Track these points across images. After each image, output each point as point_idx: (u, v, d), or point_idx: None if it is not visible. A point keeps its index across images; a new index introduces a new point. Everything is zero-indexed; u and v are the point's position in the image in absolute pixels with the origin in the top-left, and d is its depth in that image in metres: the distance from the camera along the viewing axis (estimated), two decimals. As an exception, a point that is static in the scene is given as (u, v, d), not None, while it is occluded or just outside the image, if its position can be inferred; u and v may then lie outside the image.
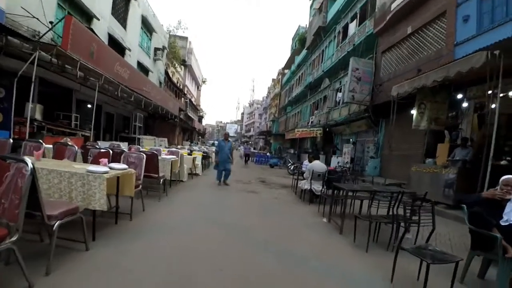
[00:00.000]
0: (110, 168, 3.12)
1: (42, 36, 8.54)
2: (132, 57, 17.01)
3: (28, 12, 7.48)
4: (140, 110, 17.88)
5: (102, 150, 4.04)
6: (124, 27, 15.96)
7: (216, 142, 45.27)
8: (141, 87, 14.25)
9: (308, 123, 21.97)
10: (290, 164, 13.49)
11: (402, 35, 11.08)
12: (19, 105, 7.53)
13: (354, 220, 3.74)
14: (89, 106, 14.32)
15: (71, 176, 2.68)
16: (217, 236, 3.49)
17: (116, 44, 14.42)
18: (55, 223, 2.08)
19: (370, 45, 13.41)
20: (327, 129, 16.64)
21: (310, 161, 8.04)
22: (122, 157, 3.99)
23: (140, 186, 3.90)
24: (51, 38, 9.37)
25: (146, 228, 3.46)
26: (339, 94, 15.99)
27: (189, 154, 9.32)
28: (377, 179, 10.93)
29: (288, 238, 3.69)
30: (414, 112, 8.36)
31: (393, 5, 11.24)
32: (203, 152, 10.91)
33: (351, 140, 16.22)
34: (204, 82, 55.15)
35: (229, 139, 8.29)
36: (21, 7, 7.42)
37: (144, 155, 3.98)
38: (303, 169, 8.10)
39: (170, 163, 5.44)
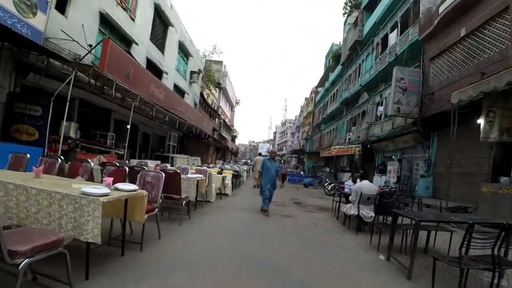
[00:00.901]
0: (116, 189, 2.61)
1: (82, 58, 8.98)
2: (169, 80, 17.67)
3: (67, 34, 7.88)
4: (175, 130, 18.26)
5: (118, 168, 3.62)
6: (162, 52, 16.76)
7: (249, 161, 45.02)
8: (176, 108, 14.50)
9: (345, 140, 20.58)
10: (327, 184, 12.33)
11: (454, 39, 9.81)
12: (56, 124, 7.80)
13: (431, 263, 2.72)
14: (128, 126, 14.97)
15: (62, 198, 2.19)
16: (244, 277, 2.74)
17: (153, 68, 15.08)
18: (22, 261, 1.53)
19: (415, 53, 12.19)
20: (368, 146, 15.21)
21: (354, 181, 7.02)
22: (138, 176, 3.51)
23: (156, 210, 3.35)
24: (92, 61, 9.84)
25: (159, 262, 2.84)
26: (380, 108, 14.67)
27: (219, 173, 8.82)
28: (430, 201, 9.33)
29: (336, 284, 2.79)
30: (481, 121, 6.97)
31: (441, 8, 10.11)
32: (234, 171, 10.35)
33: (394, 157, 14.56)
34: (237, 103, 56.42)
35: (276, 158, 6.80)
36: (61, 30, 7.83)
37: (163, 174, 3.46)
38: (346, 190, 7.07)
39: (195, 182, 4.90)
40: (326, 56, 37.41)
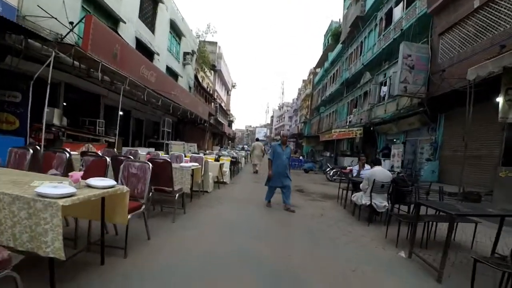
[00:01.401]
0: (88, 185, 2.07)
1: (64, 37, 8.18)
2: (161, 62, 16.74)
3: (44, 10, 7.02)
4: (169, 115, 17.56)
5: (98, 158, 3.07)
6: (152, 31, 15.73)
7: (246, 146, 44.70)
8: (169, 91, 13.74)
9: (345, 122, 20.05)
10: (328, 169, 11.92)
11: (467, 11, 9.06)
12: (40, 111, 7.14)
13: (459, 260, 2.27)
14: (120, 112, 14.23)
15: (12, 201, 1.67)
16: (249, 284, 2.29)
17: (144, 48, 14.15)
18: None
19: (422, 28, 11.42)
20: (371, 128, 14.70)
21: (363, 166, 6.57)
22: (121, 167, 2.97)
23: (143, 207, 2.84)
24: (75, 41, 9.00)
25: (146, 271, 2.36)
26: (384, 88, 14.04)
27: (217, 160, 8.31)
28: (436, 186, 8.98)
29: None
30: (500, 100, 6.43)
31: (454, -23, 9.30)
32: (232, 157, 9.85)
33: (396, 140, 14.12)
34: (233, 86, 55.15)
35: (284, 142, 5.71)
36: (38, 5, 6.98)
37: (150, 165, 2.92)
38: (354, 174, 6.62)
39: (190, 172, 4.38)
40: (324, 35, 36.09)
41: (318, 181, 11.32)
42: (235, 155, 13.02)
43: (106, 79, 10.34)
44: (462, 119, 9.64)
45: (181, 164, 4.45)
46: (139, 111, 15.35)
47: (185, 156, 6.36)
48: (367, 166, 6.45)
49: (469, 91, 6.35)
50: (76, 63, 8.71)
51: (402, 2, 13.25)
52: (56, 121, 7.39)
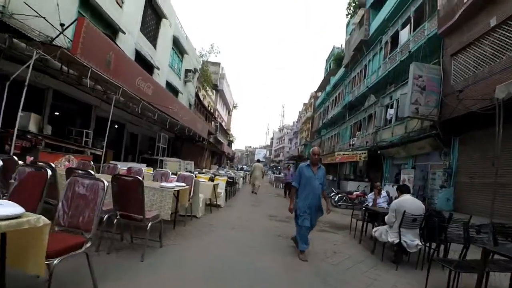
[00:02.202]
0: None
1: (53, 40, 7.63)
2: (161, 77, 16.33)
3: (31, 8, 6.48)
4: (166, 130, 16.84)
5: (36, 171, 2.22)
6: (154, 45, 15.45)
7: (245, 167, 43.73)
8: (167, 106, 13.11)
9: (348, 145, 19.31)
10: (333, 194, 10.95)
11: (482, 30, 8.64)
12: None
13: None
14: (114, 124, 13.55)
15: None
16: None
17: (143, 61, 13.73)
18: None
19: (432, 49, 11.03)
20: (378, 152, 13.89)
21: (378, 194, 5.66)
22: (66, 185, 2.11)
23: (86, 246, 1.93)
24: (68, 47, 8.45)
25: None
26: (390, 111, 13.45)
27: (211, 179, 7.40)
28: (458, 216, 8.00)
29: None
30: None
31: (465, -2, 8.98)
32: (229, 178, 8.94)
33: (404, 165, 13.28)
34: (235, 107, 55.19)
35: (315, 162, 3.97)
36: (25, 2, 6.45)
37: (105, 183, 2.06)
38: (369, 203, 5.69)
39: (171, 194, 3.47)
40: (326, 60, 36.51)
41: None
42: (232, 175, 12.10)
43: (98, 88, 9.72)
44: (479, 143, 8.93)
45: (162, 184, 3.56)
46: (134, 125, 14.64)
47: (175, 174, 5.50)
48: (383, 193, 5.56)
49: (498, 110, 5.61)
50: (65, 68, 8.11)
51: (409, 25, 13.03)
52: (32, 128, 6.59)
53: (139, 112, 10.80)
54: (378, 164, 15.73)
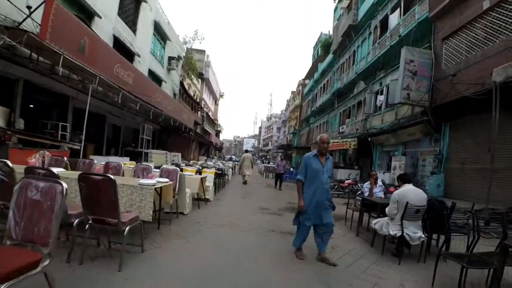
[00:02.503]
0: None
1: (20, 24, 6.84)
2: (143, 64, 15.45)
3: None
4: (151, 122, 16.11)
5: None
6: (134, 31, 14.50)
7: (234, 157, 43.43)
8: (149, 95, 12.40)
9: (338, 133, 19.23)
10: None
11: (475, 13, 8.44)
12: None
13: None
14: (88, 115, 12.65)
15: None
16: None
17: (122, 48, 12.85)
18: None
19: (422, 34, 10.82)
20: (369, 139, 13.80)
21: (375, 183, 5.44)
22: (15, 190, 1.68)
23: (43, 264, 1.53)
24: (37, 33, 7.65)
25: None
26: (380, 97, 13.31)
27: (199, 172, 6.99)
28: (449, 202, 8.03)
29: None
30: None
31: (458, -21, 8.72)
32: (217, 169, 8.55)
33: (394, 152, 13.30)
34: (221, 96, 54.17)
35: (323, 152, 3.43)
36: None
37: (64, 186, 1.64)
38: (365, 193, 5.47)
39: (152, 192, 3.06)
40: (314, 46, 36.02)
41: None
42: (221, 166, 11.71)
43: (73, 77, 8.97)
44: (471, 128, 8.90)
45: (141, 181, 3.12)
46: (116, 116, 13.86)
47: (158, 168, 5.05)
48: (379, 182, 5.36)
49: (495, 94, 5.44)
50: (35, 55, 7.34)
51: (398, 9, 12.73)
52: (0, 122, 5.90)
53: (120, 102, 10.10)
54: (368, 152, 15.74)
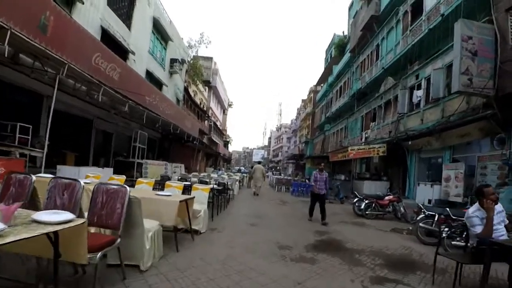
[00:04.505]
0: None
1: None
2: (139, 64, 13.77)
3: None
4: (148, 128, 14.26)
5: None
6: (128, 26, 12.89)
7: (242, 168, 41.29)
8: (142, 95, 10.54)
9: (360, 139, 16.83)
10: (357, 199, 8.39)
11: None
12: None
13: None
14: (78, 121, 10.90)
15: None
16: None
17: (113, 43, 11.14)
18: None
19: (473, 8, 8.60)
20: (409, 142, 11.27)
21: (493, 203, 3.09)
22: None
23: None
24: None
25: None
26: (418, 93, 10.99)
27: (187, 187, 4.84)
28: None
29: None
30: None
31: None
32: (218, 184, 6.38)
33: (438, 159, 10.82)
34: (230, 105, 52.71)
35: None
36: None
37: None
38: (475, 226, 3.11)
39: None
40: (326, 50, 34.05)
41: (346, 218, 7.72)
42: (225, 178, 9.53)
43: (37, 65, 7.17)
44: None
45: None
46: (106, 121, 12.04)
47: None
48: (497, 208, 2.97)
49: None
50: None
51: (437, -15, 10.56)
52: None
53: (100, 100, 8.20)
54: (398, 159, 13.26)
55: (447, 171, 8.84)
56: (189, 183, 5.78)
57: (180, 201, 3.20)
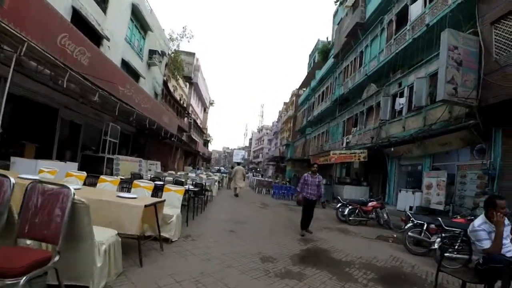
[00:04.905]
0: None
1: None
2: (114, 52, 12.77)
3: None
4: (121, 122, 13.25)
5: None
6: (103, 9, 11.88)
7: (222, 168, 40.53)
8: (114, 83, 9.63)
9: (341, 144, 16.86)
10: (340, 204, 8.15)
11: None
12: None
13: None
14: (42, 110, 9.73)
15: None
16: None
17: (85, 26, 10.13)
18: None
19: (458, 20, 8.72)
20: (392, 148, 11.28)
21: (504, 217, 2.82)
22: None
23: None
24: None
25: None
26: (401, 100, 11.06)
27: (159, 188, 4.24)
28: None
29: None
30: None
31: None
32: (194, 184, 5.80)
33: (417, 166, 10.97)
34: (211, 104, 51.71)
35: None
36: None
37: None
38: (482, 241, 2.81)
39: None
40: (310, 55, 34.35)
41: (330, 224, 7.43)
42: (204, 178, 8.91)
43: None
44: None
45: None
46: (74, 111, 10.94)
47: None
48: (507, 221, 2.69)
49: None
50: None
51: (422, -4, 10.72)
52: None
53: (64, 85, 7.29)
54: (379, 165, 13.37)
55: (428, 179, 8.88)
56: (162, 183, 5.14)
57: (146, 206, 2.63)
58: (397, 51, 11.80)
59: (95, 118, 12.23)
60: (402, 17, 12.16)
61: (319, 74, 25.85)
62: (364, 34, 15.57)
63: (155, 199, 3.26)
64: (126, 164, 12.04)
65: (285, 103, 53.27)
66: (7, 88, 5.82)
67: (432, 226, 4.72)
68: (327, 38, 28.79)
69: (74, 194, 1.85)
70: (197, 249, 3.71)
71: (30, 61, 7.14)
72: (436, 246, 4.19)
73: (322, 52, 26.73)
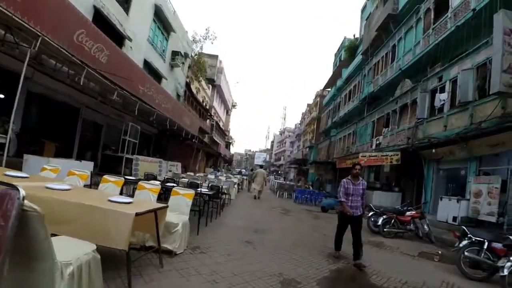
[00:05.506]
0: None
1: None
2: (136, 52, 12.78)
3: None
4: (142, 122, 13.24)
5: None
6: (126, 10, 11.92)
7: (243, 171, 40.11)
8: (131, 80, 9.48)
9: (370, 146, 15.67)
10: (372, 213, 7.21)
11: None
12: None
13: None
14: (64, 109, 9.84)
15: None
16: None
17: (108, 26, 10.16)
18: None
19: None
20: (418, 153, 10.15)
21: None
22: None
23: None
24: None
25: None
26: (442, 96, 9.85)
27: (167, 189, 3.74)
28: None
29: None
30: None
31: None
32: (211, 187, 5.26)
33: (460, 171, 9.67)
34: (234, 106, 51.70)
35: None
36: None
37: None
38: None
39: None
40: (335, 54, 33.04)
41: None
42: (222, 180, 8.41)
43: (8, 38, 6.17)
44: None
45: None
46: (96, 111, 11.03)
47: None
48: None
49: None
50: None
51: (467, -22, 9.48)
52: None
53: (80, 83, 7.15)
54: (412, 169, 12.10)
55: (477, 185, 7.65)
56: (174, 184, 4.65)
57: (138, 214, 2.09)
58: (436, 41, 10.60)
59: (116, 118, 12.27)
60: (442, 4, 10.93)
61: (346, 72, 24.65)
62: (397, 27, 14.35)
63: (156, 205, 2.73)
64: (146, 164, 11.91)
65: (308, 105, 51.99)
66: (20, 83, 5.67)
67: (497, 245, 3.78)
68: (354, 35, 27.42)
69: (23, 198, 1.33)
70: (203, 266, 3.10)
71: (50, 59, 7.13)
72: (505, 272, 3.28)
73: (348, 49, 25.49)
